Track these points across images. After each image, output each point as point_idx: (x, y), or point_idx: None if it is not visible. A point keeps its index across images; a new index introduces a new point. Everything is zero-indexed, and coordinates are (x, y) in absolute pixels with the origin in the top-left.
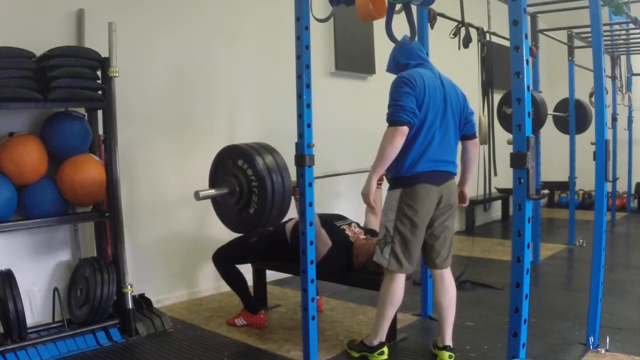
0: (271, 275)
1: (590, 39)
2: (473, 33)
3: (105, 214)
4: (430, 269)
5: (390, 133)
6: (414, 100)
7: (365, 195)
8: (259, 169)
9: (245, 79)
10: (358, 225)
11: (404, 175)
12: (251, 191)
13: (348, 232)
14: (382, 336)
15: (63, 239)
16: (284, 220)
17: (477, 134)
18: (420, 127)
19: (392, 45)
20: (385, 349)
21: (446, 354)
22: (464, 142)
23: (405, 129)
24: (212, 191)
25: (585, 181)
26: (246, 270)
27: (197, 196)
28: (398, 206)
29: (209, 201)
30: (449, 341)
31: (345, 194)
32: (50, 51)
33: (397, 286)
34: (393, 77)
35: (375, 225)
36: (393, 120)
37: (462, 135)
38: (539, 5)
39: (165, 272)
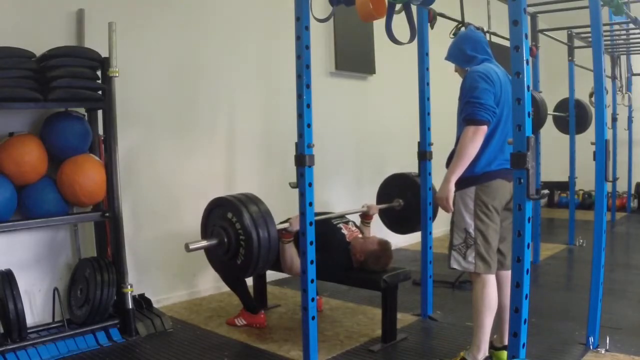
0: (271, 275)
1: (590, 39)
2: None
3: (105, 214)
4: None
5: (471, 132)
6: (493, 97)
7: (445, 199)
8: (246, 223)
9: (245, 78)
10: (355, 224)
11: (478, 174)
12: (239, 244)
13: (344, 231)
14: (486, 349)
15: (63, 239)
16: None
17: None
18: (496, 125)
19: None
20: None
21: (506, 353)
22: None
23: (485, 128)
24: (203, 243)
25: (585, 181)
26: None
27: (187, 248)
28: (475, 204)
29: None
30: (507, 341)
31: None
32: (50, 51)
33: (490, 289)
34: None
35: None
36: (474, 119)
37: None
38: (539, 5)
39: (165, 272)
